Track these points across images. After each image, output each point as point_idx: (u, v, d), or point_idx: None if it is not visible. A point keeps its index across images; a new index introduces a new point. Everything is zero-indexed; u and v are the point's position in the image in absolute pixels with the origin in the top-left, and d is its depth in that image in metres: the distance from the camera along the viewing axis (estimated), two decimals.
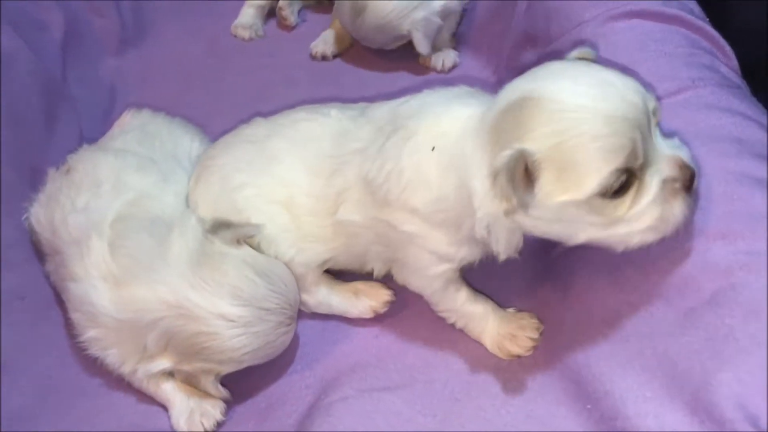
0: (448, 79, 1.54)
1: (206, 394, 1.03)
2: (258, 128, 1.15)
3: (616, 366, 0.90)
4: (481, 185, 0.85)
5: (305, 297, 1.09)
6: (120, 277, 0.99)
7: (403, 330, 1.09)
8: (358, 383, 1.02)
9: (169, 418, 1.03)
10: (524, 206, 0.82)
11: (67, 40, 1.53)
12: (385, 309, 1.10)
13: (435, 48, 1.56)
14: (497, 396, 0.97)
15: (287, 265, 1.06)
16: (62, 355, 1.08)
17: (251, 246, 1.05)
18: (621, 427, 0.83)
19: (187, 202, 1.13)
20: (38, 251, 1.16)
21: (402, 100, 1.02)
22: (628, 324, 0.93)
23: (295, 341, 1.08)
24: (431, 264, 0.99)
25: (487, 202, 0.85)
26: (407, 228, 0.96)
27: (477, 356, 1.04)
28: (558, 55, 1.27)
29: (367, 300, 1.10)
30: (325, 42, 1.61)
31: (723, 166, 0.94)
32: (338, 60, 1.61)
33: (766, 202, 0.88)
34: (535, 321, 1.04)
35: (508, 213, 0.83)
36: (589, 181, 0.80)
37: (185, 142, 1.27)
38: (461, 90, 1.00)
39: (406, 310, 1.11)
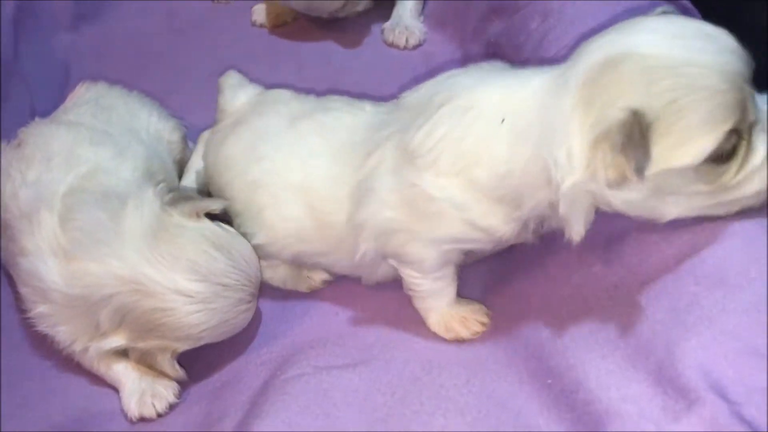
0: (412, 54, 1.51)
1: (159, 375, 0.99)
2: (292, 105, 1.10)
3: (579, 339, 0.87)
4: (566, 155, 0.76)
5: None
6: (70, 251, 0.95)
7: (365, 308, 1.06)
8: (316, 360, 0.99)
9: (119, 399, 0.99)
10: (641, 173, 0.72)
11: (19, 16, 1.47)
12: (323, 286, 1.09)
13: (400, 22, 1.52)
14: (459, 376, 0.93)
15: (277, 253, 1.04)
16: (9, 337, 1.05)
17: (228, 222, 1.02)
18: (582, 400, 0.80)
19: (206, 150, 1.13)
20: None
21: (439, 78, 0.95)
22: (591, 297, 0.90)
23: (256, 319, 1.05)
24: (456, 240, 0.92)
25: (577, 173, 0.75)
26: (452, 196, 0.88)
27: (440, 335, 1.01)
28: (524, 23, 1.25)
29: (306, 274, 1.09)
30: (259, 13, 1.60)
31: None
32: (299, 35, 1.57)
33: None
34: (482, 306, 1.02)
35: (614, 184, 0.74)
36: (703, 144, 0.72)
37: (143, 115, 1.23)
38: (505, 65, 0.92)
39: (368, 288, 1.07)
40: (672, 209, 0.78)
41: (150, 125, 1.21)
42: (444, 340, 1.00)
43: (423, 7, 1.56)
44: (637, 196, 0.76)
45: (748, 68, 0.74)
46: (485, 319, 1.00)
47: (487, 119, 0.84)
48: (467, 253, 0.97)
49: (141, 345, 0.95)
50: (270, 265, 1.08)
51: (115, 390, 1.00)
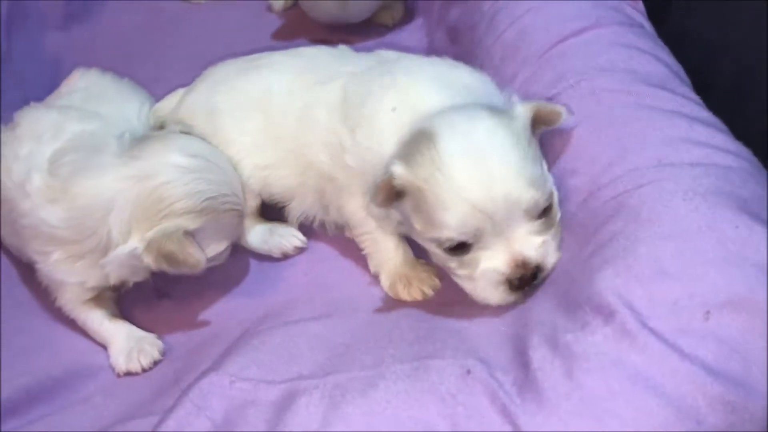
0: (392, 44, 1.59)
1: (146, 336, 1.07)
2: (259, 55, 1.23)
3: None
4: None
5: None
6: (63, 184, 1.02)
7: (331, 266, 1.15)
8: (287, 317, 1.06)
9: (108, 357, 1.07)
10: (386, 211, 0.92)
11: (11, 16, 1.58)
12: (295, 254, 1.17)
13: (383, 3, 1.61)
14: (413, 316, 1.00)
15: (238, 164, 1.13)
16: (6, 301, 1.13)
17: None
18: (518, 330, 0.88)
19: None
20: None
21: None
22: None
23: (234, 278, 1.15)
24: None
25: None
26: (348, 159, 1.02)
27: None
28: (478, 5, 1.33)
29: (279, 239, 1.16)
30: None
31: (615, 96, 1.00)
32: (277, 25, 1.66)
33: (651, 126, 0.95)
34: (435, 280, 1.06)
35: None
36: (421, 227, 0.91)
37: (134, 103, 1.29)
38: (444, 67, 1.05)
39: (333, 248, 1.16)
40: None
41: (141, 114, 1.27)
42: None
43: None
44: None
45: (504, 211, 0.87)
46: (429, 291, 1.05)
47: (385, 101, 0.99)
48: None
49: (153, 235, 0.98)
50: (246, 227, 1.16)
51: (102, 347, 1.08)
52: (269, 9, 1.71)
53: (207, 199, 1.02)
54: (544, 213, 0.91)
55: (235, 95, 1.14)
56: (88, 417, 0.97)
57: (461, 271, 0.93)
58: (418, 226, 0.92)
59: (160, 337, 1.09)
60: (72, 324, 1.10)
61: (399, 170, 0.90)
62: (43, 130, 1.13)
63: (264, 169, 1.14)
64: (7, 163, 1.11)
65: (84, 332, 1.10)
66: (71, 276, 1.05)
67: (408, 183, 0.90)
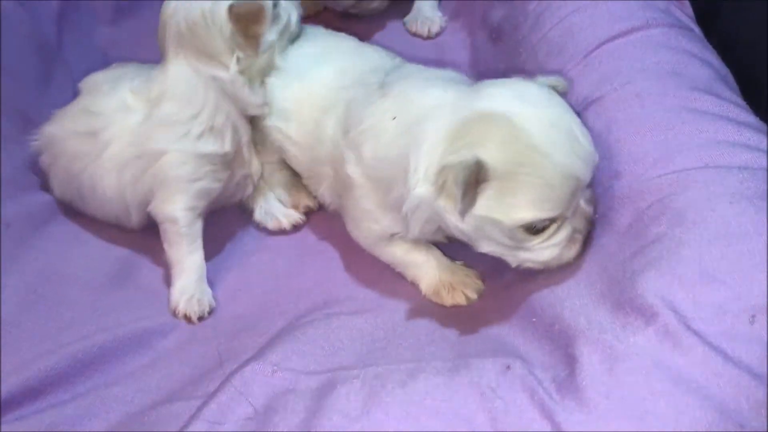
0: (425, 43, 1.60)
1: (208, 291, 1.12)
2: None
3: (564, 287, 0.94)
4: (425, 169, 0.89)
5: None
6: None
7: (373, 261, 1.14)
8: (328, 310, 1.08)
9: (153, 324, 1.08)
10: (463, 211, 0.87)
11: (64, 9, 1.61)
12: (292, 231, 1.21)
13: (420, 13, 1.62)
14: (453, 317, 1.01)
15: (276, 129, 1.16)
16: (48, 274, 1.14)
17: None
18: (558, 330, 0.88)
19: None
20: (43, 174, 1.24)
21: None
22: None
23: (273, 269, 1.17)
24: (366, 217, 1.05)
25: (425, 187, 0.89)
26: (350, 171, 1.02)
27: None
28: (524, 6, 1.34)
29: (280, 214, 1.22)
30: None
31: (660, 99, 1.00)
32: (321, 26, 1.67)
33: (696, 129, 0.94)
34: (479, 282, 1.06)
35: (444, 210, 0.89)
36: (521, 215, 0.87)
37: None
38: (447, 74, 1.06)
39: None
40: (484, 246, 0.94)
41: None
42: None
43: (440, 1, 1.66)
44: (463, 227, 0.91)
45: (588, 176, 0.90)
46: (473, 294, 1.04)
47: (385, 110, 0.99)
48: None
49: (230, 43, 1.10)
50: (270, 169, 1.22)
51: (140, 319, 1.08)
52: None
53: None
54: None
55: (285, 67, 1.16)
56: (133, 390, 0.99)
57: (543, 244, 0.91)
58: (499, 215, 0.87)
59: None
60: (118, 298, 1.12)
61: (489, 154, 0.86)
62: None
63: (286, 138, 1.15)
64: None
65: (129, 307, 1.11)
66: (209, 185, 1.13)
67: (498, 167, 0.86)
